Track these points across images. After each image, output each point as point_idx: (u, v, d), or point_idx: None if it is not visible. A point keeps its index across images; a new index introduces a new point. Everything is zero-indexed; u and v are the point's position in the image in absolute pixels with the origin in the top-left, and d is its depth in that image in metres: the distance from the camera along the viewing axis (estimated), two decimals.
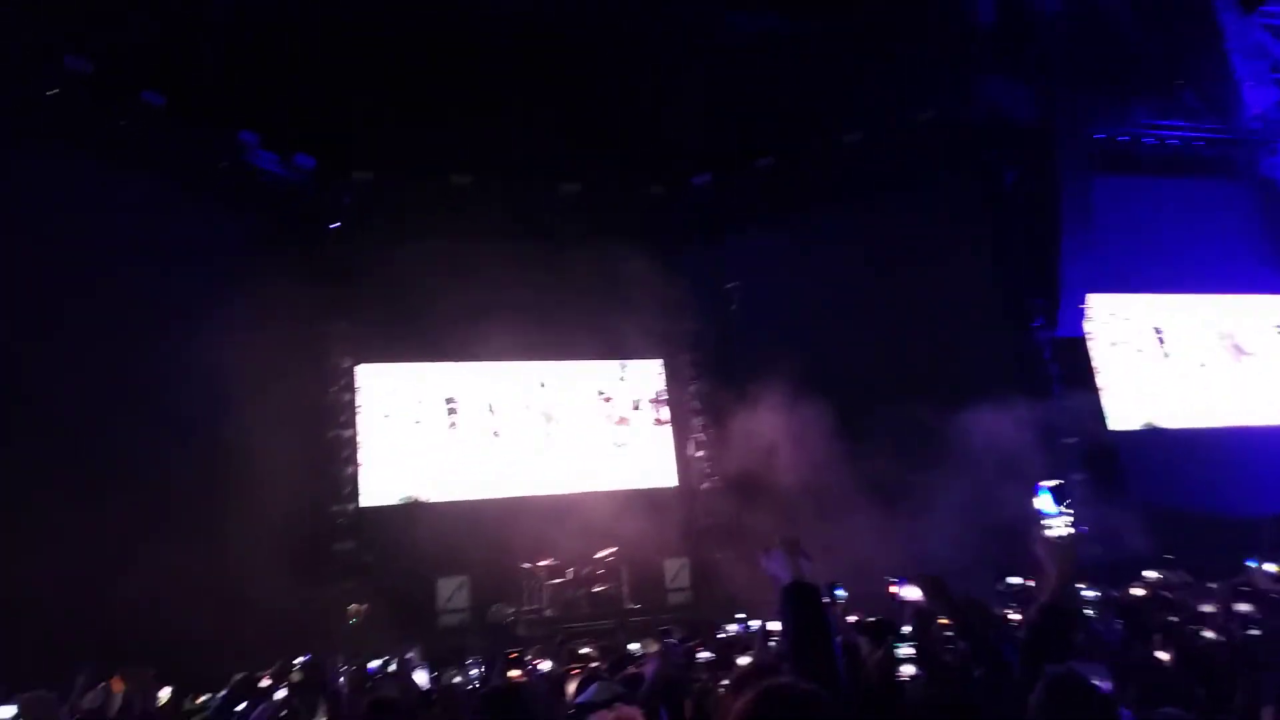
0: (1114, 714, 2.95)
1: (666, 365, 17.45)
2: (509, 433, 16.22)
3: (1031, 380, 15.37)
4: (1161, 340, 17.26)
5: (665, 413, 17.30)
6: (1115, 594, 8.19)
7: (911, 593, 5.18)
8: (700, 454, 16.95)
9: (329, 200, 15.70)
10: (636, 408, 17.19)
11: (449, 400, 16.08)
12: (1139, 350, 17.10)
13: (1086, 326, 16.33)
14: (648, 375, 17.46)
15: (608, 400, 17.01)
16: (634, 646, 7.14)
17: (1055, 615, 3.70)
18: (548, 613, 13.55)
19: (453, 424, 15.98)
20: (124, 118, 13.35)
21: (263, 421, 12.69)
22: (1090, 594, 7.72)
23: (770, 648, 5.49)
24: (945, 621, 5.38)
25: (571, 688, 5.04)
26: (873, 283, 15.53)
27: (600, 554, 14.22)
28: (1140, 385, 16.81)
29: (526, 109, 15.20)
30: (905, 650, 4.83)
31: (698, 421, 17.03)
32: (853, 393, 13.71)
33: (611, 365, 17.16)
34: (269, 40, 13.73)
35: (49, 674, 7.66)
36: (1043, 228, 15.78)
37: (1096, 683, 3.04)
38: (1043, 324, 16.03)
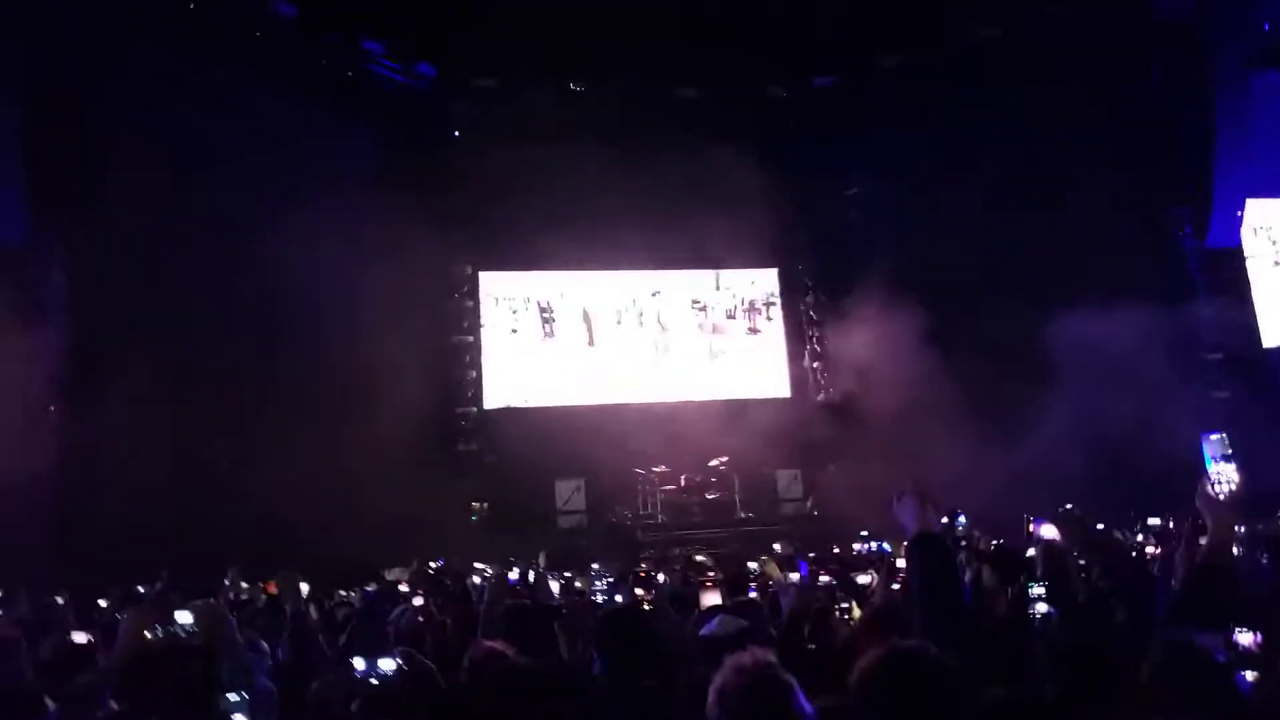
0: (1231, 682, 2.75)
1: (782, 275, 17.08)
2: (626, 340, 16.38)
3: (1178, 291, 14.32)
4: None
5: (778, 323, 17.02)
6: (1261, 527, 7.71)
7: (1049, 531, 4.96)
8: (815, 365, 16.68)
9: (450, 108, 15.69)
10: (752, 317, 16.98)
11: (570, 308, 16.24)
12: None
13: (1244, 236, 15.05)
14: (764, 284, 17.15)
15: (726, 311, 16.86)
16: (751, 565, 7.12)
17: (1211, 577, 3.45)
18: (661, 518, 13.80)
19: (573, 331, 16.17)
20: (258, 28, 13.52)
21: (389, 327, 13.14)
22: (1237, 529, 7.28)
23: (894, 588, 5.37)
24: (1080, 560, 5.14)
25: (706, 599, 5.04)
26: (1004, 188, 14.63)
27: (712, 462, 14.30)
28: None
29: (642, 11, 14.72)
30: (1038, 589, 4.66)
31: (812, 332, 16.70)
32: (979, 305, 13.10)
33: (727, 274, 16.91)
34: None
35: (196, 570, 8.29)
36: (1195, 127, 14.43)
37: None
38: (1191, 232, 14.84)
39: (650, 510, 13.95)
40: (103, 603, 7.70)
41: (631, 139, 15.60)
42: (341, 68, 14.64)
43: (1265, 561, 6.95)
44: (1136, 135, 15.23)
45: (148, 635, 4.27)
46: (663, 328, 16.55)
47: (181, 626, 4.21)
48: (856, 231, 16.23)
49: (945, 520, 7.17)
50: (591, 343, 16.23)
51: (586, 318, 16.31)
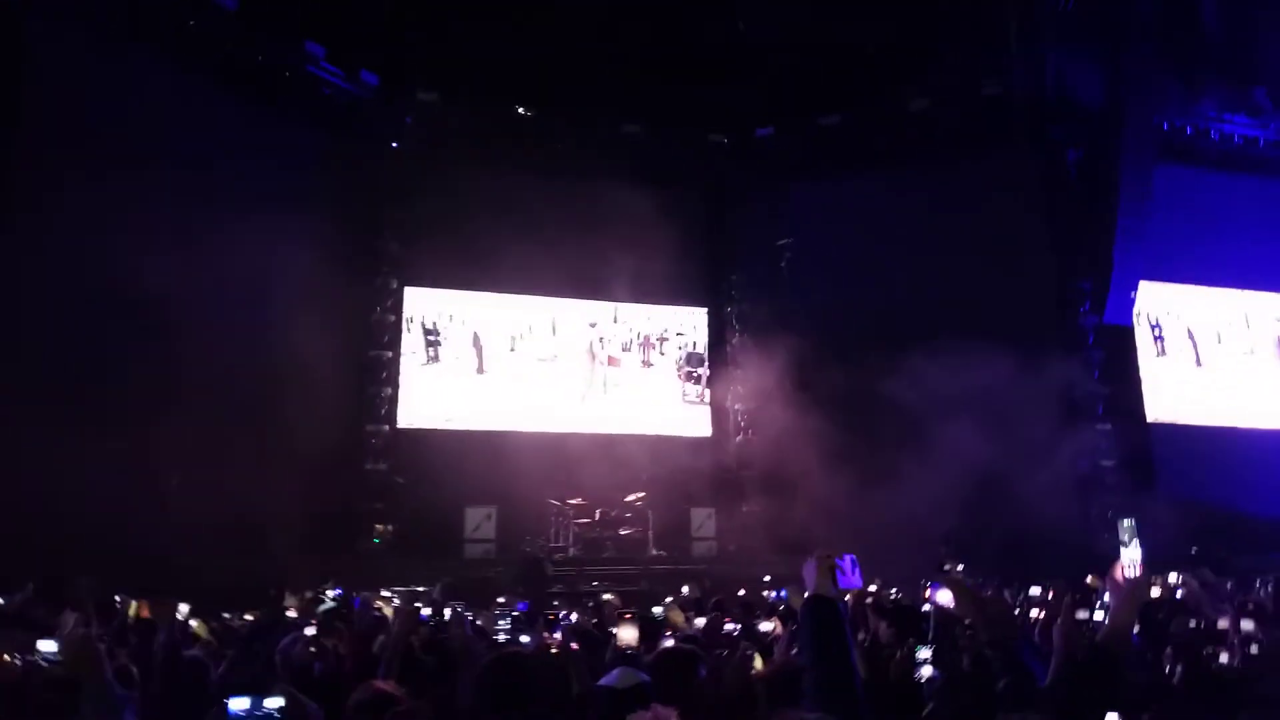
0: None
1: (711, 315, 17.26)
2: (548, 369, 16.21)
3: (1073, 365, 14.98)
4: (1211, 335, 16.78)
5: (703, 361, 17.16)
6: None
7: (944, 597, 5.01)
8: (735, 406, 16.82)
9: (391, 119, 15.46)
10: (675, 355, 17.07)
11: (491, 331, 16.04)
12: (1186, 343, 16.64)
13: (1136, 315, 15.84)
14: (692, 322, 17.28)
15: (651, 347, 16.89)
16: (657, 610, 7.04)
17: (1106, 660, 3.51)
18: (572, 552, 13.62)
19: (491, 355, 15.97)
20: (194, 19, 13.10)
21: (305, 336, 12.66)
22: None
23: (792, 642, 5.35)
24: (967, 622, 5.21)
25: (623, 634, 4.93)
26: (925, 251, 15.18)
27: (629, 497, 14.23)
28: (1183, 379, 16.39)
29: (597, 44, 14.81)
30: (925, 653, 4.73)
31: (736, 373, 16.84)
32: (891, 356, 13.39)
33: (655, 310, 16.98)
34: None
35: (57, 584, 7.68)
36: (1100, 210, 15.20)
37: None
38: (1089, 308, 15.56)
39: (562, 543, 13.75)
40: None
41: (574, 168, 15.63)
42: (280, 67, 14.25)
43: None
44: (1053, 210, 16.01)
45: (7, 660, 3.96)
46: (591, 358, 16.48)
47: (45, 655, 3.91)
48: (784, 279, 16.52)
49: (873, 587, 7.26)
50: (512, 370, 16.03)
51: (512, 343, 16.12)
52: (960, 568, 7.09)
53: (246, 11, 13.49)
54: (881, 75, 15.70)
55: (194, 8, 13.16)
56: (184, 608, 6.18)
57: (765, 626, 6.51)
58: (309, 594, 7.30)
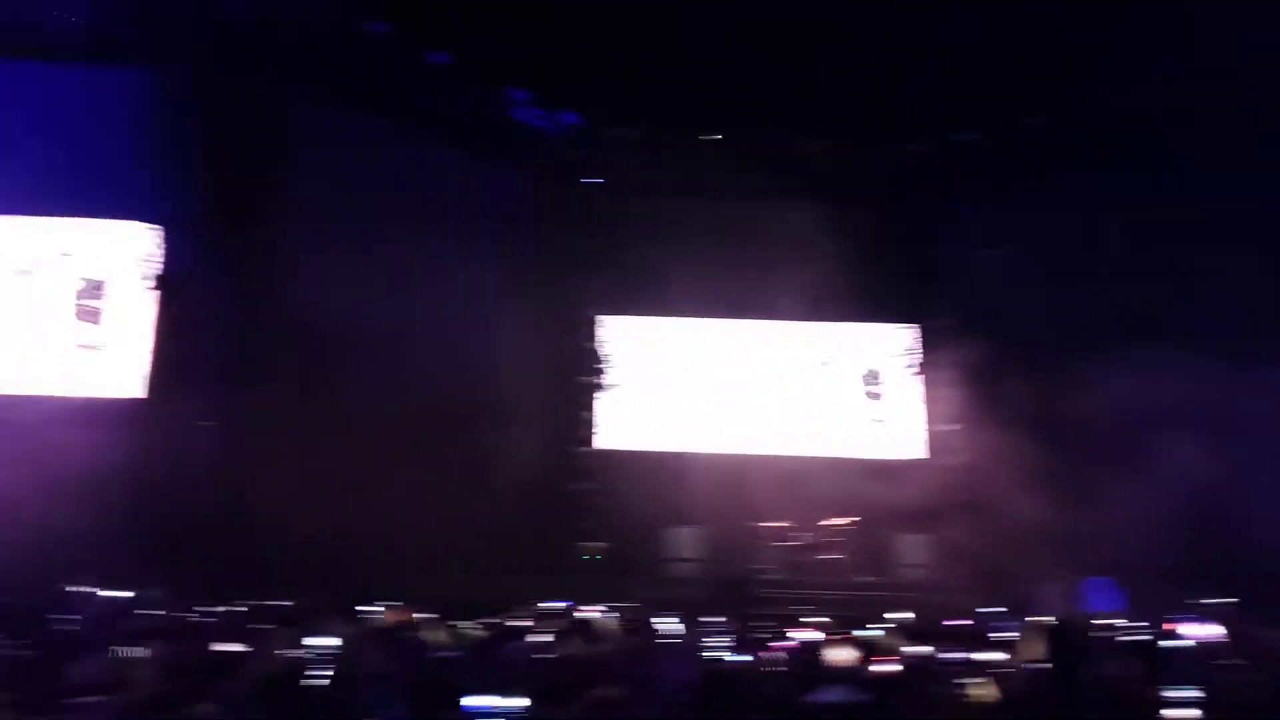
0: None
1: (919, 333, 16.73)
2: (752, 390, 16.26)
3: None
4: None
5: (912, 383, 16.63)
6: None
7: (1203, 629, 4.64)
8: (951, 427, 16.14)
9: (589, 156, 16.22)
10: (884, 376, 16.67)
11: (684, 355, 16.35)
12: None
13: None
14: (900, 342, 16.83)
15: (859, 368, 16.61)
16: (868, 633, 6.92)
17: None
18: (777, 575, 13.57)
19: (687, 377, 16.24)
20: (411, 76, 14.35)
21: (513, 363, 13.64)
22: None
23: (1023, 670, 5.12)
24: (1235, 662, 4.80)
25: (835, 655, 4.94)
26: (1143, 255, 14.05)
27: (835, 521, 14.02)
28: None
29: (779, 62, 14.93)
30: (1188, 693, 4.38)
31: (950, 393, 16.19)
32: (1098, 369, 12.50)
33: (859, 330, 16.71)
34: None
35: (333, 590, 8.60)
36: None
37: None
38: None
39: (767, 566, 13.73)
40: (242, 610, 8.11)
41: (761, 190, 15.73)
42: (488, 114, 15.34)
43: None
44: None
45: (290, 653, 4.50)
46: (790, 381, 16.41)
47: (322, 648, 4.42)
48: (996, 291, 15.80)
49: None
50: (711, 391, 16.23)
51: (709, 366, 16.34)
52: (1225, 601, 6.50)
53: (457, 67, 14.65)
54: (1092, 72, 14.75)
55: (412, 68, 14.42)
56: (425, 616, 6.77)
57: (984, 656, 6.28)
58: (532, 606, 7.73)
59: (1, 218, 13.83)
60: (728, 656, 5.78)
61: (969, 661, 6.30)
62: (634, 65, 14.75)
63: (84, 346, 13.77)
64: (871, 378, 16.64)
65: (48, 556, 10.99)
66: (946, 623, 8.38)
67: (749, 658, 5.80)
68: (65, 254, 14.01)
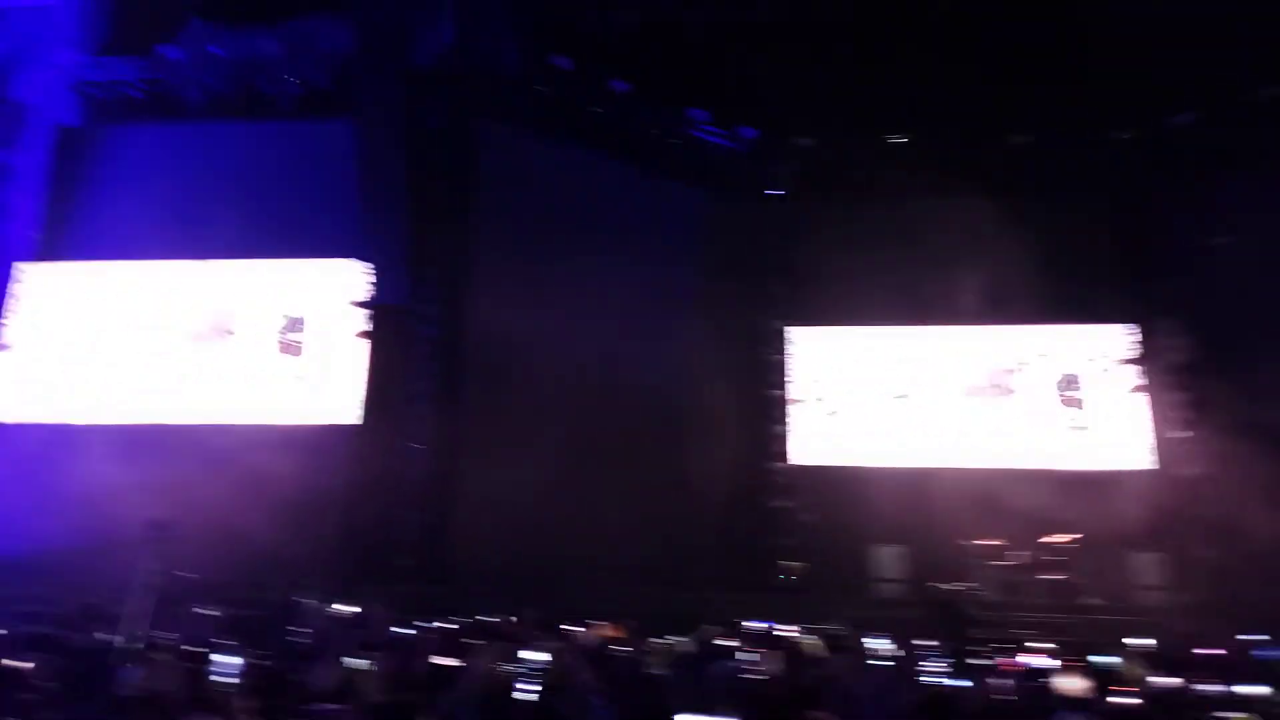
0: None
1: (1140, 333, 15.35)
2: (950, 400, 15.47)
3: None
4: None
5: (1127, 385, 15.28)
6: None
7: None
8: (1183, 434, 14.67)
9: (769, 168, 16.10)
10: (1097, 380, 15.42)
11: (875, 365, 15.75)
12: None
13: None
14: (1116, 343, 15.53)
15: (1066, 373, 15.47)
16: (1106, 660, 6.34)
17: None
18: (992, 596, 12.74)
19: (886, 389, 15.64)
20: (595, 105, 14.80)
21: (702, 380, 13.66)
22: None
23: None
24: None
25: (1065, 684, 4.57)
26: None
27: (1054, 538, 13.02)
28: None
29: (967, 58, 14.24)
30: None
31: (1179, 397, 14.75)
32: None
33: (1069, 332, 15.55)
34: (718, 21, 14.38)
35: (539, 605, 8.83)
36: None
37: None
38: None
39: (981, 586, 12.93)
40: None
41: (957, 189, 15.00)
42: (669, 136, 15.55)
43: None
44: None
45: (502, 666, 4.62)
46: (994, 388, 15.49)
47: (533, 663, 4.51)
48: (1225, 284, 14.26)
49: None
50: (907, 402, 15.55)
51: (903, 376, 15.68)
52: None
53: (637, 93, 14.96)
54: None
55: (595, 96, 14.79)
56: (630, 632, 6.82)
57: (1251, 690, 5.60)
58: (733, 625, 7.61)
59: (218, 262, 15.44)
60: (947, 681, 5.44)
61: (1230, 695, 5.64)
62: (810, 74, 14.54)
63: (297, 378, 15.08)
64: (1069, 383, 15.41)
65: (278, 572, 12.01)
66: (1198, 651, 7.57)
67: (970, 683, 5.44)
68: (279, 293, 15.41)
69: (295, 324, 15.34)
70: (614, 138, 15.21)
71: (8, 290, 15.72)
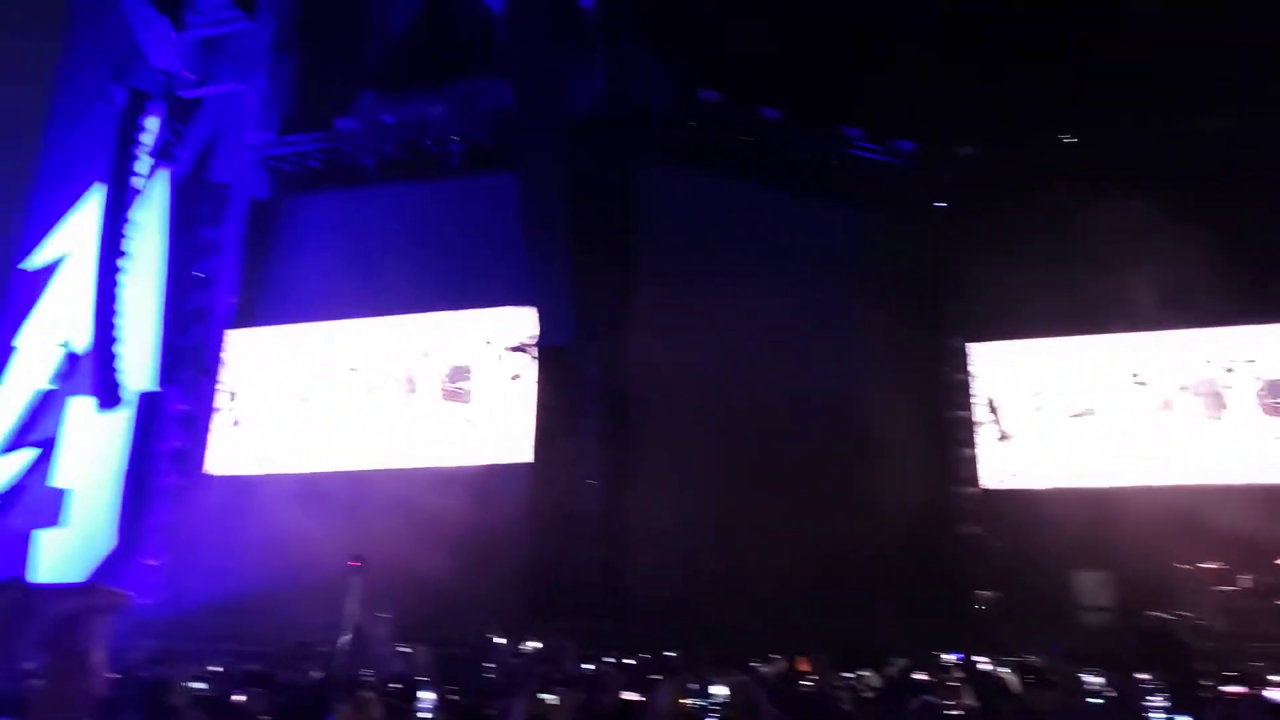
0: None
1: None
2: (1159, 412, 14.30)
3: None
4: None
5: None
6: None
7: None
8: None
9: (931, 180, 15.60)
10: (1259, 393, 13.96)
11: (1074, 379, 14.77)
12: None
13: None
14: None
15: (1270, 380, 14.06)
16: None
17: None
18: (1215, 624, 11.64)
19: (1079, 405, 14.66)
20: (746, 133, 14.85)
21: (878, 402, 13.29)
22: None
23: None
24: None
25: None
26: None
27: None
28: None
29: (1144, 39, 13.43)
30: None
31: None
32: None
33: (1270, 331, 14.18)
34: (863, 37, 14.22)
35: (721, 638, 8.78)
36: None
37: None
38: None
39: (1201, 614, 11.83)
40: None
41: (1136, 186, 14.03)
42: (823, 157, 15.37)
43: None
44: None
45: (682, 702, 4.61)
46: (1193, 397, 14.26)
47: (713, 697, 4.49)
48: None
49: None
50: (1097, 418, 14.50)
51: (1097, 390, 14.64)
52: None
53: (789, 118, 14.97)
54: None
55: (748, 125, 14.90)
56: (815, 665, 6.66)
57: None
58: (924, 654, 7.30)
59: (395, 317, 16.40)
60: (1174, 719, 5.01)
61: None
62: (964, 78, 14.10)
63: (467, 421, 15.76)
64: (1272, 390, 13.90)
65: (467, 611, 12.52)
66: None
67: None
68: (451, 342, 16.20)
69: (460, 373, 16.09)
70: (769, 164, 15.21)
71: (220, 357, 17.27)
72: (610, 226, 15.07)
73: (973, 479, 14.58)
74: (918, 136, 15.41)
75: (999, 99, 14.46)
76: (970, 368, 15.15)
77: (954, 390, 15.04)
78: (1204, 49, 13.53)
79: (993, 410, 14.85)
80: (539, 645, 10.42)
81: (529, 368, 15.45)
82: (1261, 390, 14.09)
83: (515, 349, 15.42)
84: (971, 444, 14.76)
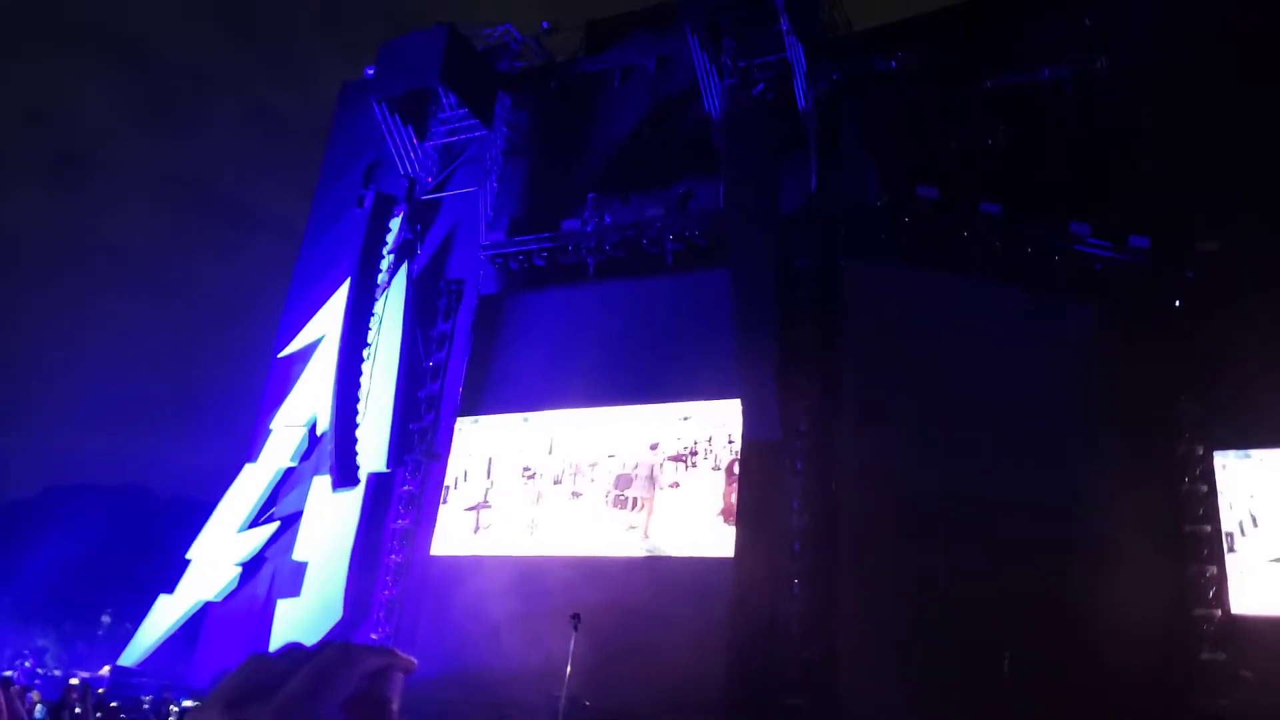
0: None
1: None
2: None
3: None
4: None
5: None
6: None
7: None
8: None
9: (1169, 278, 15.32)
10: None
11: None
12: None
13: None
14: None
15: None
16: None
17: None
18: None
19: None
20: (966, 229, 15.30)
21: (1114, 514, 13.05)
22: None
23: None
24: None
25: None
26: None
27: None
28: None
29: None
30: None
31: None
32: None
33: None
34: (1083, 134, 14.47)
35: None
36: None
37: None
38: None
39: None
40: None
41: None
42: (1049, 253, 15.51)
43: None
44: None
45: None
46: None
47: None
48: None
49: None
50: None
51: None
52: None
53: (1009, 212, 15.31)
54: None
55: (965, 221, 15.40)
56: None
57: None
58: None
59: (610, 409, 17.60)
60: None
61: None
62: (1200, 169, 13.99)
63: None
64: None
65: (675, 700, 13.20)
66: None
67: None
68: (657, 435, 17.19)
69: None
70: (988, 261, 15.49)
71: (448, 442, 19.17)
72: (821, 322, 15.79)
73: (1220, 600, 13.84)
74: (1152, 233, 15.25)
75: (1241, 191, 14.23)
76: (1218, 478, 14.52)
77: (1196, 503, 14.45)
78: None
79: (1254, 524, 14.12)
80: None
81: (734, 462, 16.18)
82: None
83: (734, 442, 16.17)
84: (1215, 561, 14.06)
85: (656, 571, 15.99)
